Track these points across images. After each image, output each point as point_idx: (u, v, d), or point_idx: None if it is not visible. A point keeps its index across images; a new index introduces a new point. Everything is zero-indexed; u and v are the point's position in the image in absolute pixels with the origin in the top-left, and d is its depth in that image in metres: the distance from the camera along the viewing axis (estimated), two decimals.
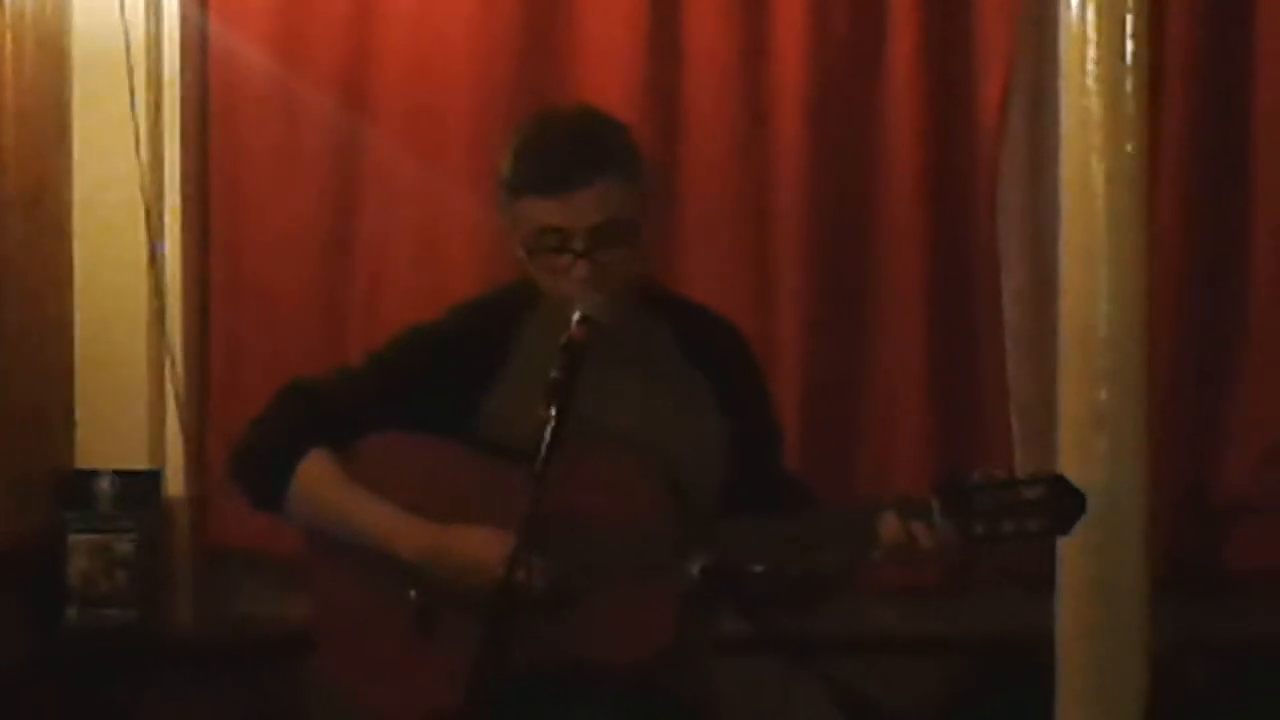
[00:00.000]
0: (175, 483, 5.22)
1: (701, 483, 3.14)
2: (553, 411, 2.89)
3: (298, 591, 3.34)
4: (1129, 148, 4.45)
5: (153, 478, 5.15)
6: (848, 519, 3.09)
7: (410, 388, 3.19)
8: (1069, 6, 4.48)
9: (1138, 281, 4.48)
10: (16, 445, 4.96)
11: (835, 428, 5.18)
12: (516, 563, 2.85)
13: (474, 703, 2.83)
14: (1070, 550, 4.48)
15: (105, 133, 5.18)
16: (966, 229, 5.18)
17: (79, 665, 5.01)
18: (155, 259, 5.19)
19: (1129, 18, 4.43)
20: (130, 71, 5.14)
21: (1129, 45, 4.43)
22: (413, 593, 3.10)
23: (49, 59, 5.12)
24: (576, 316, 3.01)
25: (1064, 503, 3.02)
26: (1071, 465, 4.39)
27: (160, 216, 5.22)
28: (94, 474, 5.10)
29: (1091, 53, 4.44)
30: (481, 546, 3.02)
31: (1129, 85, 4.44)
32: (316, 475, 3.17)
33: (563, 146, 3.08)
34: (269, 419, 3.23)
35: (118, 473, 5.10)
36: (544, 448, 2.86)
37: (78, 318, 5.21)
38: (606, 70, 5.14)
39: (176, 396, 5.23)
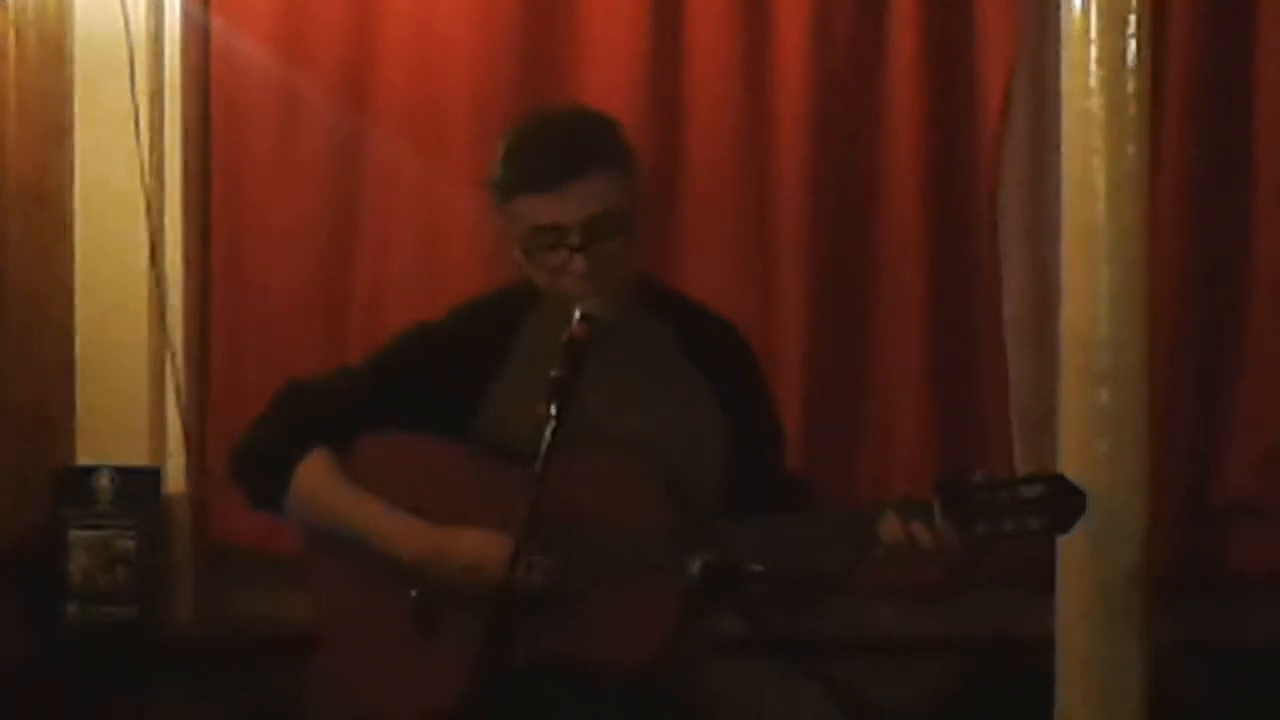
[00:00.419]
0: (175, 480, 5.22)
1: (701, 482, 3.14)
2: (553, 410, 2.89)
3: (298, 589, 3.34)
4: (1130, 150, 4.45)
5: (153, 475, 5.15)
6: (848, 519, 3.09)
7: (410, 388, 3.19)
8: (1071, 8, 4.48)
9: (1139, 283, 4.48)
10: (17, 441, 4.96)
11: (836, 428, 5.19)
12: (516, 564, 2.85)
13: (472, 702, 2.84)
14: (1071, 551, 4.48)
15: (106, 131, 5.18)
16: (968, 230, 5.18)
17: (78, 662, 5.00)
18: (156, 256, 5.19)
19: (1131, 20, 4.44)
20: (132, 70, 5.14)
21: (1131, 47, 4.43)
22: (414, 591, 3.10)
23: (50, 57, 5.12)
24: (578, 315, 3.01)
25: (1065, 501, 3.01)
26: (1072, 466, 4.39)
27: (161, 214, 5.22)
28: (94, 470, 5.10)
29: (1093, 54, 4.44)
30: (480, 548, 3.02)
31: (1130, 87, 4.44)
32: (316, 476, 3.17)
33: (551, 143, 3.09)
34: (269, 419, 3.23)
35: (118, 469, 5.10)
36: (544, 447, 2.86)
37: (78, 315, 5.22)
38: (608, 71, 5.15)
39: (177, 393, 5.23)
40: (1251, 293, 5.10)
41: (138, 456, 5.17)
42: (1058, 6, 4.58)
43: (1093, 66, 4.44)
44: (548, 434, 2.87)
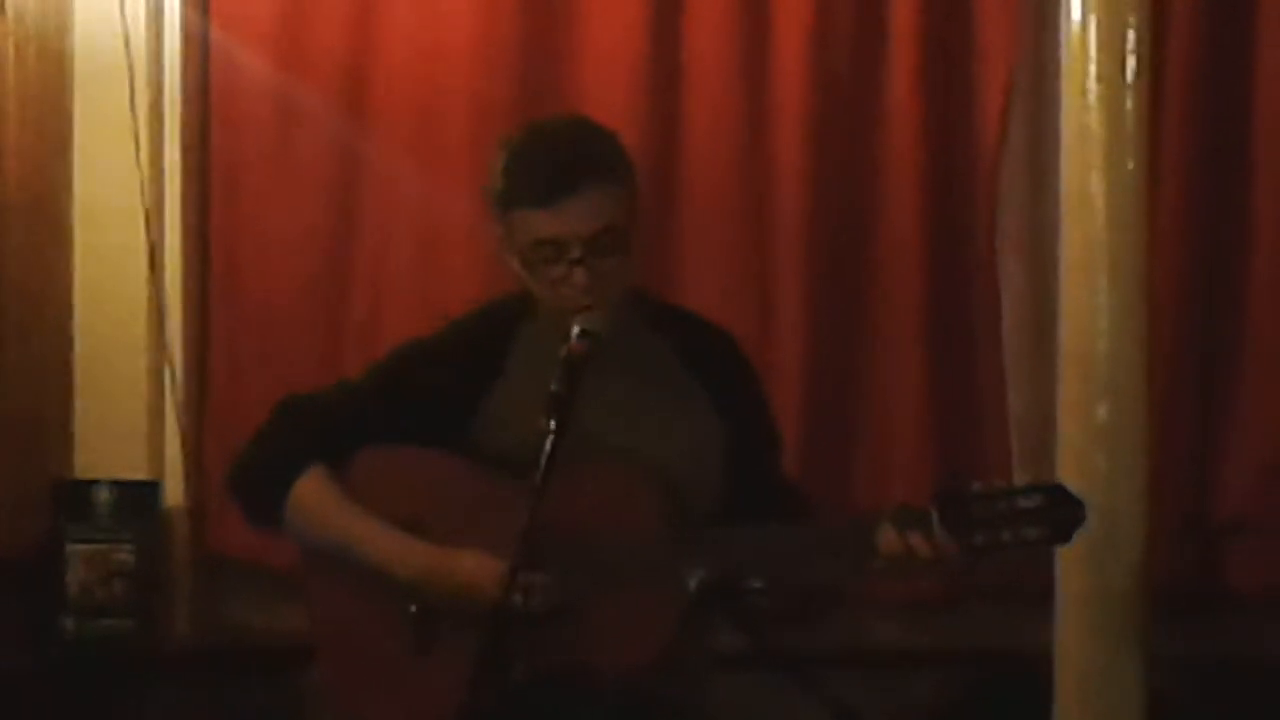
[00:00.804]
0: (174, 493, 5.21)
1: (700, 492, 3.14)
2: (553, 424, 2.88)
3: (296, 602, 3.33)
4: (1129, 164, 4.44)
5: (152, 488, 5.15)
6: (846, 530, 3.08)
7: (407, 403, 3.18)
8: (1070, 23, 4.48)
9: (1137, 299, 4.47)
10: (15, 454, 4.96)
11: (834, 438, 5.19)
12: (512, 584, 2.85)
13: (470, 717, 2.84)
14: (1069, 566, 4.48)
15: (106, 139, 5.18)
16: (966, 243, 5.19)
17: (76, 675, 5.00)
18: (155, 267, 5.18)
19: (1130, 34, 4.43)
20: (131, 78, 5.14)
21: (1130, 62, 4.43)
22: (413, 606, 3.10)
23: (50, 65, 5.13)
24: (576, 330, 3.01)
25: (1064, 512, 3.00)
26: (1071, 481, 4.31)
27: (160, 225, 5.22)
28: (92, 484, 5.10)
29: (1092, 69, 4.44)
30: (477, 568, 3.02)
31: (1129, 102, 4.44)
32: (314, 493, 3.17)
33: (553, 157, 3.08)
34: (266, 436, 3.22)
35: (116, 482, 5.09)
36: (544, 461, 2.86)
37: (77, 326, 5.21)
38: (607, 80, 5.15)
39: (175, 406, 5.23)
40: (1250, 309, 5.11)
41: (136, 467, 5.16)
42: (1057, 22, 4.58)
43: (1091, 82, 4.43)
44: (547, 448, 2.86)
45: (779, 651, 3.06)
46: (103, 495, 5.07)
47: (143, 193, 5.16)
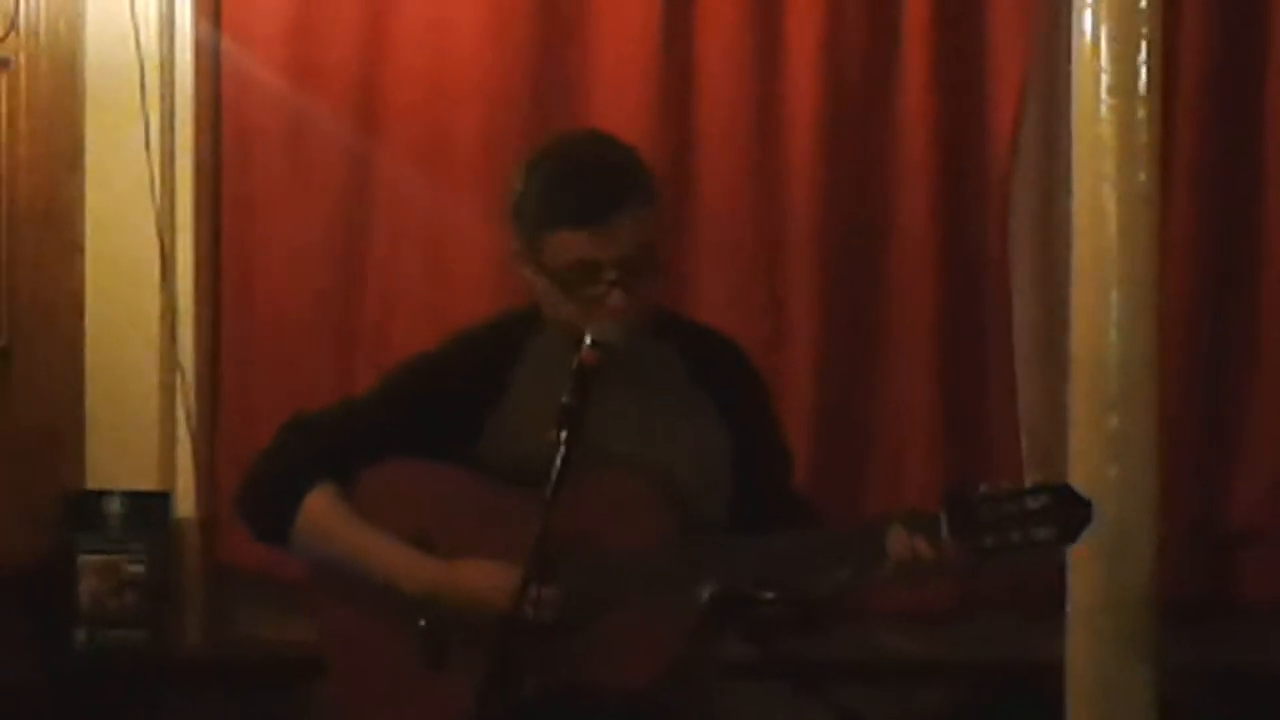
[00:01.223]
0: (185, 504, 5.22)
1: (709, 504, 3.14)
2: (563, 436, 2.88)
3: (307, 614, 3.33)
4: (1141, 176, 4.44)
5: (163, 499, 5.15)
6: (855, 534, 3.08)
7: (414, 419, 3.18)
8: (1082, 34, 4.48)
9: (1149, 309, 4.47)
10: (26, 464, 4.97)
11: (846, 448, 5.19)
12: (522, 597, 2.85)
13: None
14: (1079, 576, 4.47)
15: (118, 152, 5.20)
16: (978, 255, 5.18)
17: (87, 686, 5.00)
18: (167, 280, 5.19)
19: (1142, 45, 4.43)
20: (143, 93, 5.15)
21: (1142, 73, 4.42)
22: (423, 622, 3.10)
23: (62, 80, 5.14)
24: (588, 341, 3.00)
25: (1071, 511, 2.99)
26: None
27: (172, 238, 5.23)
28: (104, 495, 5.10)
29: (1104, 80, 4.43)
30: (486, 581, 3.01)
31: (1141, 113, 4.43)
32: (322, 511, 3.16)
33: (594, 178, 3.06)
34: (274, 454, 3.22)
35: (128, 494, 5.10)
36: (554, 473, 2.86)
37: (89, 338, 5.22)
38: (619, 90, 5.15)
39: (187, 418, 5.23)
40: (1262, 319, 5.10)
41: (147, 479, 5.17)
42: (1068, 34, 4.57)
43: (1103, 93, 4.43)
44: (558, 460, 2.86)
45: (788, 661, 3.06)
46: (114, 506, 5.08)
47: (154, 205, 5.17)
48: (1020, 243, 5.19)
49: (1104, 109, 4.44)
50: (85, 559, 5.07)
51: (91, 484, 5.17)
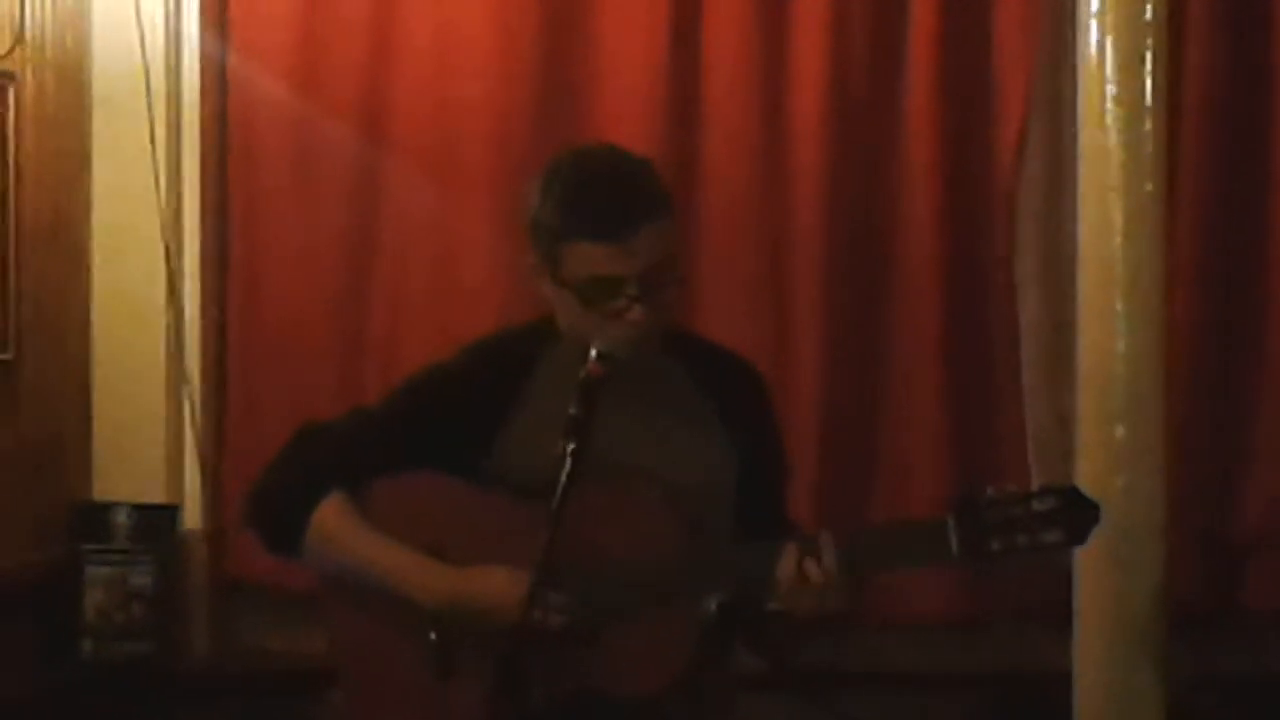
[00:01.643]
0: (192, 516, 5.22)
1: (714, 514, 3.13)
2: (570, 447, 2.88)
3: (314, 625, 3.32)
4: (1147, 186, 4.44)
5: (170, 511, 5.16)
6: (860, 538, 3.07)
7: (425, 430, 3.17)
8: (1087, 45, 4.48)
9: (1156, 319, 4.47)
10: (34, 477, 4.97)
11: (853, 458, 5.19)
12: (533, 604, 2.85)
13: None
14: (1089, 585, 4.47)
15: (124, 165, 5.20)
16: (984, 264, 5.18)
17: (95, 698, 5.00)
18: (173, 291, 5.20)
19: (1147, 57, 4.43)
20: (150, 105, 5.16)
21: (1147, 84, 4.43)
22: (433, 634, 3.09)
23: (69, 92, 5.14)
24: (594, 353, 3.00)
25: (1078, 513, 2.98)
26: None
27: (179, 249, 5.23)
28: (111, 507, 5.11)
29: (1110, 91, 4.44)
30: (497, 590, 3.01)
31: (1147, 124, 4.44)
32: (333, 520, 3.15)
33: (614, 192, 3.04)
34: (284, 463, 3.21)
35: (135, 506, 5.10)
36: (561, 484, 2.86)
37: (95, 350, 5.22)
38: (626, 101, 5.16)
39: (194, 430, 5.24)
40: (1269, 329, 5.11)
41: (154, 491, 5.17)
42: (1073, 45, 4.58)
43: (1109, 104, 4.43)
44: (565, 472, 2.86)
45: (795, 672, 3.05)
46: (121, 518, 5.08)
47: (161, 218, 5.17)
48: (1026, 253, 5.20)
49: (1110, 119, 4.44)
50: (92, 571, 5.07)
51: (98, 496, 5.18)
